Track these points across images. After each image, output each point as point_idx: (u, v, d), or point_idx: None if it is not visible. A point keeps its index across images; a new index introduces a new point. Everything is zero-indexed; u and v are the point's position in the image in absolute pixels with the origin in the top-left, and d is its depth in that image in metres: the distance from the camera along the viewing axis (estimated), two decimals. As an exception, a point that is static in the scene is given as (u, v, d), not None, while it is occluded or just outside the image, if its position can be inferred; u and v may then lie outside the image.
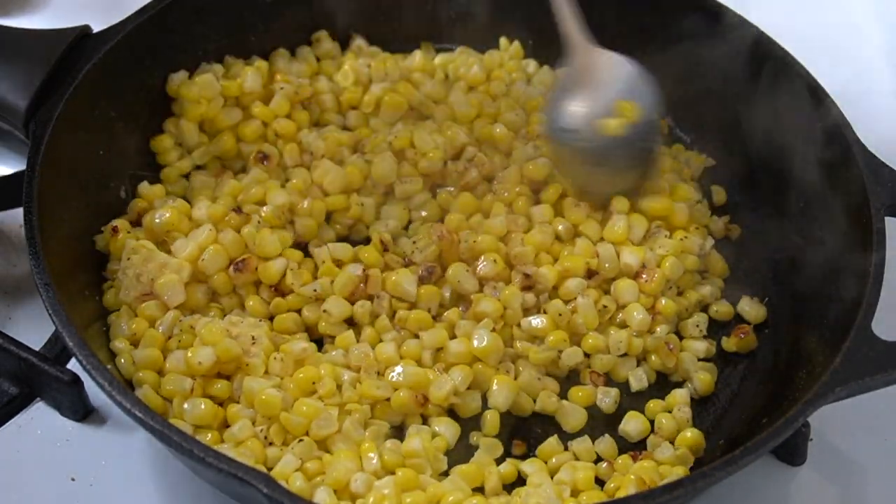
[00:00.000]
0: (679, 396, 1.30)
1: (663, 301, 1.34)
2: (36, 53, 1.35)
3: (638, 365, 1.33)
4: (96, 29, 1.40)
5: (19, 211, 1.25)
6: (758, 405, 1.28)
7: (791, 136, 1.38)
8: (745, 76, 1.43)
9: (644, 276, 1.34)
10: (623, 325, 1.34)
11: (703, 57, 1.46)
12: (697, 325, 1.36)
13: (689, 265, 1.38)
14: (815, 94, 1.36)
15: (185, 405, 1.21)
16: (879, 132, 1.40)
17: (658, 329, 1.33)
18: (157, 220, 1.35)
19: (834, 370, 1.14)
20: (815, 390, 1.13)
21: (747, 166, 1.47)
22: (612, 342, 1.32)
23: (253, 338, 1.27)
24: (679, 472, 1.21)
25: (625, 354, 1.33)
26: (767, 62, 1.41)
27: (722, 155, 1.50)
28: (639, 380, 1.32)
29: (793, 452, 1.28)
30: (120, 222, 1.34)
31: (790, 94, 1.38)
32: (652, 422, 1.28)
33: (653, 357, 1.33)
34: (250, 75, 1.46)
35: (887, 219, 1.25)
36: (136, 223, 1.37)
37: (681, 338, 1.35)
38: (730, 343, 1.35)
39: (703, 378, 1.31)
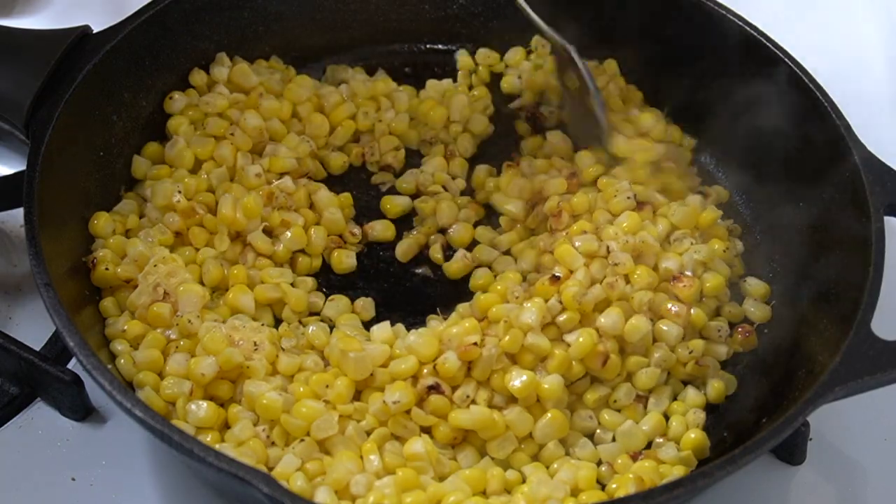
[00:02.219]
0: (693, 399, 1.29)
1: (693, 311, 1.31)
2: (36, 53, 1.35)
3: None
4: (96, 29, 1.40)
5: (19, 211, 1.25)
6: (758, 404, 1.28)
7: (791, 136, 1.38)
8: (744, 76, 1.43)
9: (683, 281, 1.31)
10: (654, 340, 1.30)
11: (699, 58, 1.47)
12: (718, 330, 1.33)
13: (723, 270, 1.37)
14: (815, 94, 1.36)
15: (192, 406, 1.20)
16: (879, 132, 1.40)
17: (691, 342, 1.30)
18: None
19: (833, 369, 1.14)
20: (815, 389, 1.13)
21: (747, 166, 1.47)
22: (654, 358, 1.28)
23: (255, 343, 1.26)
24: (679, 472, 1.20)
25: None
26: (766, 61, 1.41)
27: (722, 155, 1.50)
28: (659, 402, 1.29)
29: (792, 452, 1.28)
30: (102, 254, 1.30)
31: (790, 94, 1.38)
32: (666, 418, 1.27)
33: (681, 368, 1.30)
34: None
35: (887, 219, 1.25)
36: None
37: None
38: (732, 342, 1.35)
39: (717, 386, 1.29)
